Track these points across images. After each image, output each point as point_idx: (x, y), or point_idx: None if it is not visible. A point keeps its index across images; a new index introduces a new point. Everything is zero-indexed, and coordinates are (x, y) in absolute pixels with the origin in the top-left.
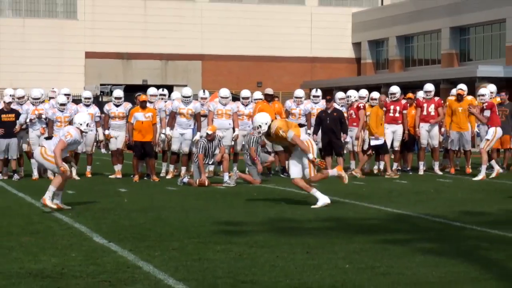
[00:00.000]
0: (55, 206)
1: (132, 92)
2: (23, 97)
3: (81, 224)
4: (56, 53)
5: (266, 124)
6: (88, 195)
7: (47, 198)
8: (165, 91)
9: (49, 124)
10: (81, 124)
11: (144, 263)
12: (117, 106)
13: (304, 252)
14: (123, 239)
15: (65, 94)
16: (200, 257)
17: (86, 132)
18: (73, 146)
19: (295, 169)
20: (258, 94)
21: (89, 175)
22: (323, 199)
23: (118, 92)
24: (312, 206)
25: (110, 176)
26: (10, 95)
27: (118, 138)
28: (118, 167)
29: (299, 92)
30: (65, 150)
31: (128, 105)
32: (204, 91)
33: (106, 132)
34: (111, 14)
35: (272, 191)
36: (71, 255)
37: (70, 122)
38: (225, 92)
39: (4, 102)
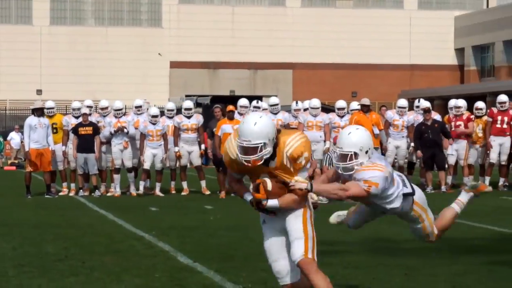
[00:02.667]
0: None
1: (219, 103)
2: (106, 108)
3: (165, 243)
4: (140, 63)
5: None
6: (172, 212)
7: None
8: (260, 103)
9: (141, 138)
10: None
11: (231, 284)
12: (188, 117)
13: (402, 274)
14: (209, 259)
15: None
16: None
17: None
18: None
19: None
20: (354, 105)
21: (173, 191)
22: None
23: (188, 103)
24: None
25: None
26: (88, 106)
27: (192, 153)
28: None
29: (403, 102)
30: None
31: (199, 117)
32: (297, 102)
33: (176, 148)
34: (197, 21)
35: None
36: (154, 275)
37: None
38: (315, 102)
39: (82, 114)
